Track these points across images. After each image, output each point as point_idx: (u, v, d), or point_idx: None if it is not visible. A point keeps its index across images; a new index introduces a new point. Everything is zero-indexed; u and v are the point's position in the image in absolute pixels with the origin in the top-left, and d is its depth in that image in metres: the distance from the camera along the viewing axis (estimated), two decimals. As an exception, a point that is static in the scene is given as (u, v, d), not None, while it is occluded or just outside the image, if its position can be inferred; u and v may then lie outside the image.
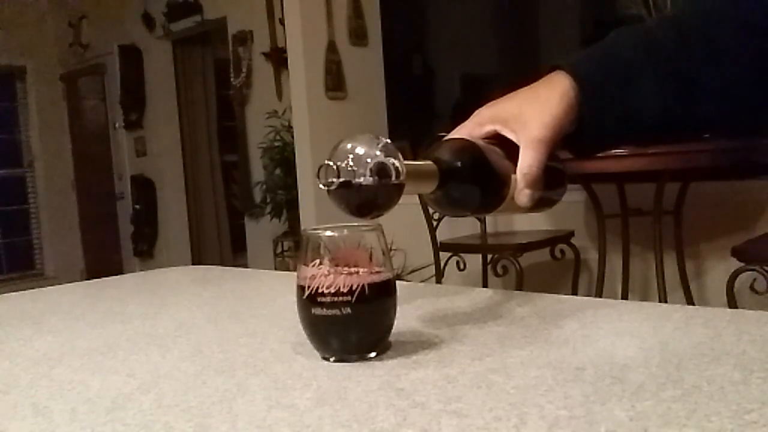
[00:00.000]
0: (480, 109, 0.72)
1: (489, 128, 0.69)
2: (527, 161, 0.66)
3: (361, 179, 0.56)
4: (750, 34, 0.70)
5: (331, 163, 0.56)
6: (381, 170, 0.56)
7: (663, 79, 0.71)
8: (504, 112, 0.70)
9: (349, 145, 0.57)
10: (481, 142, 0.67)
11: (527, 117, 0.68)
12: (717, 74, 0.71)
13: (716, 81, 0.71)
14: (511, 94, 0.72)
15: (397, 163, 0.57)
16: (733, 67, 0.71)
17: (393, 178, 0.57)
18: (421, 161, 0.63)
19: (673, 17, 0.79)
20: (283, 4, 3.91)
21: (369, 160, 0.56)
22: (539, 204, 0.73)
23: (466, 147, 0.66)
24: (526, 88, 0.72)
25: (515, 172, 0.67)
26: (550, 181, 0.72)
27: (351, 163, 0.56)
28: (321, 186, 0.57)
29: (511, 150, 0.68)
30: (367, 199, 0.57)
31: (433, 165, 0.62)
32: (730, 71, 0.71)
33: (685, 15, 0.76)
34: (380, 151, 0.57)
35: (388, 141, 0.58)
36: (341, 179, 0.56)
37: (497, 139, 0.69)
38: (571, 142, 0.73)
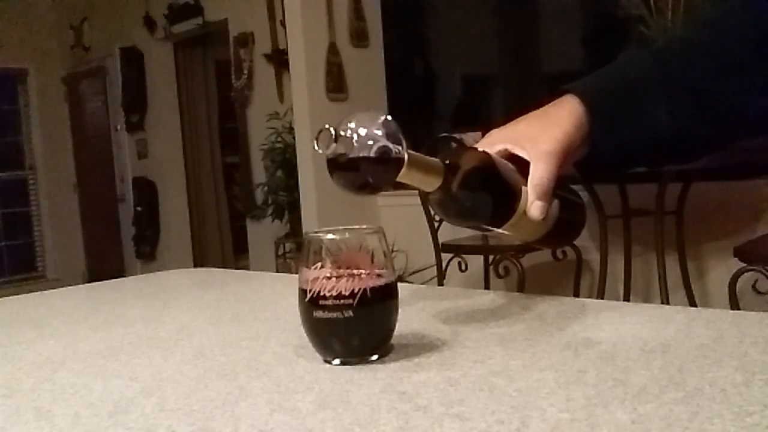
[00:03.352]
0: (491, 131, 0.73)
1: (500, 147, 0.70)
2: (538, 173, 0.67)
3: (360, 153, 0.56)
4: (759, 44, 0.71)
5: (331, 129, 0.56)
6: (381, 145, 0.56)
7: (674, 98, 0.71)
8: (514, 132, 0.71)
9: (352, 120, 0.57)
10: (492, 154, 0.67)
11: (537, 134, 0.69)
12: (728, 88, 0.71)
13: (728, 95, 0.71)
14: (522, 117, 0.73)
15: (398, 145, 0.57)
16: (744, 83, 0.71)
17: (392, 155, 0.56)
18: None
19: (681, 36, 0.79)
20: (284, 6, 3.92)
21: (369, 134, 0.56)
22: (556, 236, 0.73)
23: (476, 153, 0.66)
24: (535, 111, 0.72)
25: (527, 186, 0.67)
26: (568, 214, 0.72)
27: (350, 134, 0.56)
28: (318, 150, 0.56)
29: (523, 168, 0.68)
30: (362, 173, 0.57)
31: (438, 160, 0.62)
32: (741, 84, 0.71)
33: (695, 33, 0.77)
34: (382, 127, 0.57)
35: (389, 118, 0.57)
36: (339, 150, 0.56)
37: (509, 159, 0.69)
38: (584, 164, 0.73)
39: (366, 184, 0.58)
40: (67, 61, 6.86)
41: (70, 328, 0.83)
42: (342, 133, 0.56)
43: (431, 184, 0.62)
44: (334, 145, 0.56)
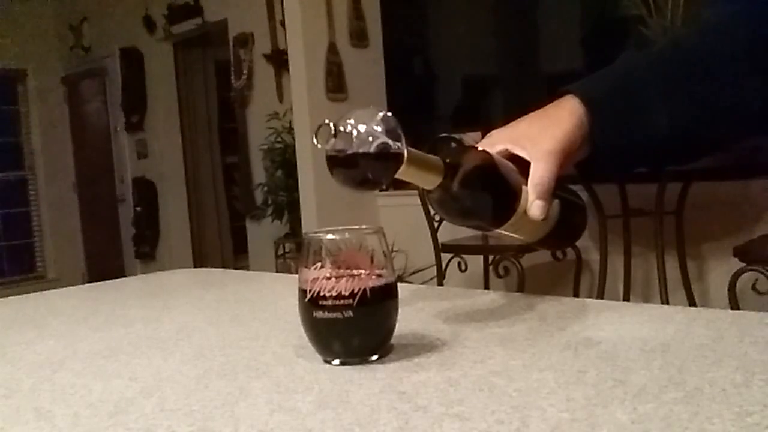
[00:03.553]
0: (492, 131, 0.73)
1: (500, 147, 0.70)
2: (539, 172, 0.67)
3: (359, 149, 0.56)
4: (759, 47, 0.71)
5: (330, 124, 0.55)
6: (380, 142, 0.56)
7: (673, 99, 0.71)
8: (515, 132, 0.71)
9: (351, 117, 0.57)
10: (492, 153, 0.67)
11: (537, 134, 0.69)
12: (727, 89, 0.71)
13: (726, 96, 0.71)
14: (522, 117, 0.73)
15: (397, 141, 0.57)
16: (744, 83, 0.71)
17: (391, 150, 0.56)
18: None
19: (681, 38, 0.79)
20: (283, 6, 3.92)
21: (369, 130, 0.56)
22: (557, 237, 0.73)
23: (476, 152, 0.66)
24: (536, 111, 0.72)
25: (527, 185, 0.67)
26: (569, 215, 0.72)
27: (350, 130, 0.56)
28: (317, 145, 0.56)
29: (523, 169, 0.68)
30: (362, 169, 0.57)
31: (438, 158, 0.62)
32: (742, 87, 0.71)
33: (693, 34, 0.77)
34: (381, 123, 0.57)
35: (389, 114, 0.57)
36: (338, 145, 0.56)
37: (510, 160, 0.69)
38: (585, 165, 0.73)
39: (366, 180, 0.58)
40: (67, 62, 6.86)
41: (70, 328, 0.83)
42: (341, 128, 0.56)
43: (431, 181, 0.62)
44: (333, 140, 0.55)
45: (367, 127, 0.56)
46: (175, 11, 5.54)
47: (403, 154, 0.57)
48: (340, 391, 0.51)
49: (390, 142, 0.56)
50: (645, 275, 2.91)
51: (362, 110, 0.58)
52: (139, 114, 6.16)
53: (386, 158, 0.57)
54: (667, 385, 0.47)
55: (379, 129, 0.56)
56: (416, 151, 0.59)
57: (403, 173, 0.59)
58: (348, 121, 0.56)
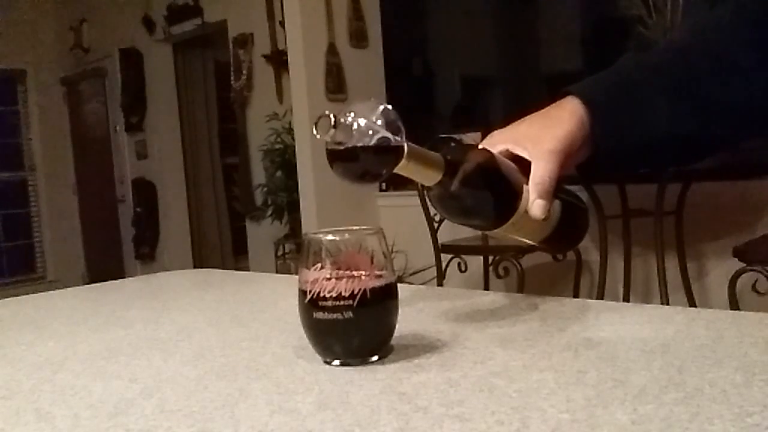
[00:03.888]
0: (492, 132, 0.73)
1: (501, 147, 0.70)
2: (539, 171, 0.67)
3: (359, 142, 0.56)
4: (756, 45, 0.71)
5: (330, 115, 0.55)
6: (380, 135, 0.56)
7: (675, 100, 0.71)
8: (516, 133, 0.71)
9: (352, 110, 0.56)
10: (493, 151, 0.67)
11: (538, 133, 0.69)
12: (727, 89, 0.71)
13: (727, 96, 0.71)
14: (523, 118, 0.73)
15: (397, 134, 0.56)
16: (745, 82, 0.71)
17: (391, 144, 0.56)
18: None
19: (681, 38, 0.79)
20: (283, 7, 3.92)
21: (369, 124, 0.56)
22: (558, 239, 0.73)
23: (477, 150, 0.66)
24: (537, 112, 0.72)
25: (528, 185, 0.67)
26: (570, 217, 0.72)
27: (350, 122, 0.56)
28: (316, 136, 0.56)
29: (524, 170, 0.68)
30: (362, 163, 0.57)
31: (439, 155, 0.62)
32: (743, 86, 0.71)
33: (694, 34, 0.77)
34: (382, 116, 0.56)
35: (389, 107, 0.57)
36: (338, 138, 0.56)
37: (511, 160, 0.69)
38: (586, 166, 0.73)
39: (365, 173, 0.58)
40: (67, 63, 6.86)
41: (70, 329, 0.83)
42: (342, 120, 0.56)
43: (431, 178, 0.61)
44: (332, 131, 0.55)
45: (367, 120, 0.56)
46: (174, 12, 5.54)
47: (402, 148, 0.57)
48: (340, 392, 0.51)
49: (390, 135, 0.56)
50: (645, 276, 2.91)
51: (362, 103, 0.57)
52: (139, 115, 6.16)
53: (386, 152, 0.57)
54: (667, 385, 0.47)
55: (380, 122, 0.56)
56: (416, 146, 0.59)
57: (402, 168, 0.59)
58: (348, 114, 0.56)
